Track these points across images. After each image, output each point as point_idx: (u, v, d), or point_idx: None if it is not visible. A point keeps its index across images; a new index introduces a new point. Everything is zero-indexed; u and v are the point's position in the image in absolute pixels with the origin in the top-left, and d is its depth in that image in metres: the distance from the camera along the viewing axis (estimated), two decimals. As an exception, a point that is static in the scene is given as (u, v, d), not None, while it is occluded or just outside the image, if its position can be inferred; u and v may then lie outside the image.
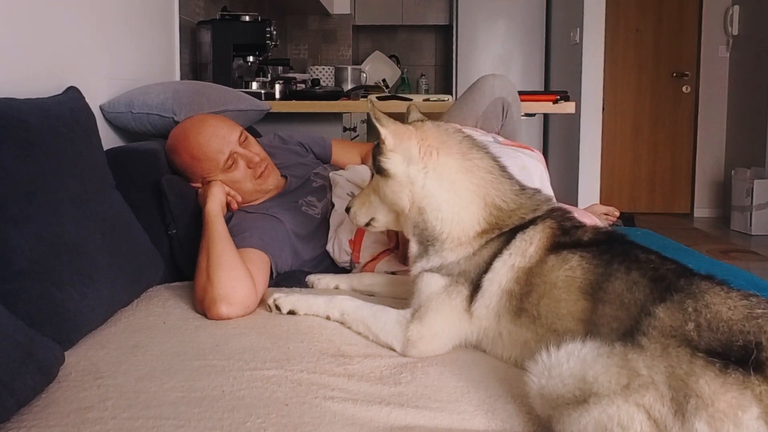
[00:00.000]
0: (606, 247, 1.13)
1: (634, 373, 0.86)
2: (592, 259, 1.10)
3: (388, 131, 1.24)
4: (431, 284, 1.23)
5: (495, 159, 1.31)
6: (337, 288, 1.56)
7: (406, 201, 1.27)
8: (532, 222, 1.21)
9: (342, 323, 1.32)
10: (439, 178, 1.24)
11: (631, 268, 1.05)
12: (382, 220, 1.36)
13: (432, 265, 1.25)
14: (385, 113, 1.26)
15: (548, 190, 1.90)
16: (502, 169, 1.30)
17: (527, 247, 1.17)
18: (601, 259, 1.09)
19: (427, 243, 1.27)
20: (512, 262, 1.16)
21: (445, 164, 1.25)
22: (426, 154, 1.24)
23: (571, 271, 1.10)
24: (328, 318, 1.34)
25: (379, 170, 1.28)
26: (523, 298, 1.14)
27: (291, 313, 1.37)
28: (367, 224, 1.39)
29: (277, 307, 1.38)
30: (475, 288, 1.19)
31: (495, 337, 1.18)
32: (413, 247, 1.30)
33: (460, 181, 1.24)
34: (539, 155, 2.02)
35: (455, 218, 1.24)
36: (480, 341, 1.21)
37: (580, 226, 1.23)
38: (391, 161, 1.25)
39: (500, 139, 2.09)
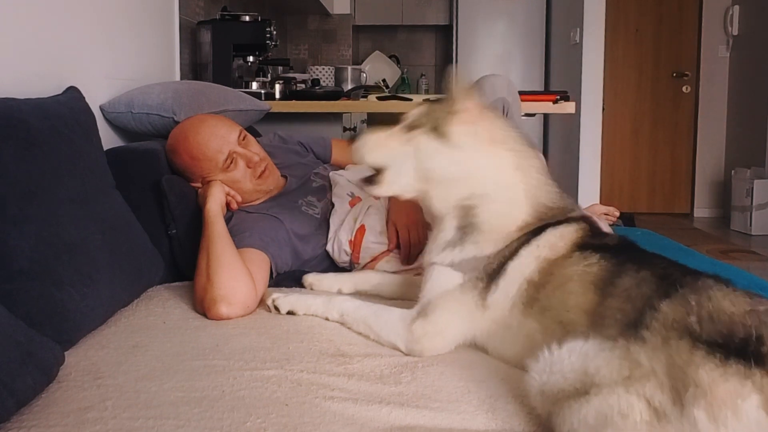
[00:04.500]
0: (624, 250, 1.15)
1: (635, 364, 0.86)
2: (611, 258, 1.11)
3: (475, 104, 1.22)
4: (445, 281, 1.21)
5: (541, 159, 1.32)
6: (339, 292, 1.52)
7: (457, 178, 1.22)
8: (565, 220, 1.22)
9: (341, 324, 1.32)
10: (498, 170, 1.23)
11: (642, 267, 1.06)
12: (397, 181, 1.25)
13: (463, 257, 1.21)
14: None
15: None
16: (546, 173, 1.30)
17: (557, 241, 1.17)
18: (617, 258, 1.11)
19: (467, 230, 1.23)
20: (539, 253, 1.16)
21: (505, 158, 1.24)
22: (491, 143, 1.23)
23: (588, 267, 1.11)
24: (327, 319, 1.33)
25: (438, 129, 1.21)
26: (540, 289, 1.14)
27: (290, 313, 1.37)
28: (371, 180, 1.28)
29: (276, 308, 1.38)
30: (496, 275, 1.17)
31: (504, 329, 1.17)
32: (449, 233, 1.24)
33: (515, 179, 1.24)
34: (539, 155, 2.01)
35: (503, 213, 1.23)
36: (487, 336, 1.20)
37: (608, 233, 1.26)
38: (462, 132, 1.22)
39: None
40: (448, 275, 1.22)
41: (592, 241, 1.18)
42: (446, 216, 1.26)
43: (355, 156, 1.28)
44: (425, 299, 1.23)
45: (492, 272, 1.19)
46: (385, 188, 1.28)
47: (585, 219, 1.26)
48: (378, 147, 1.27)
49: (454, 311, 1.20)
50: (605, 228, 1.32)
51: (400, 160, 1.25)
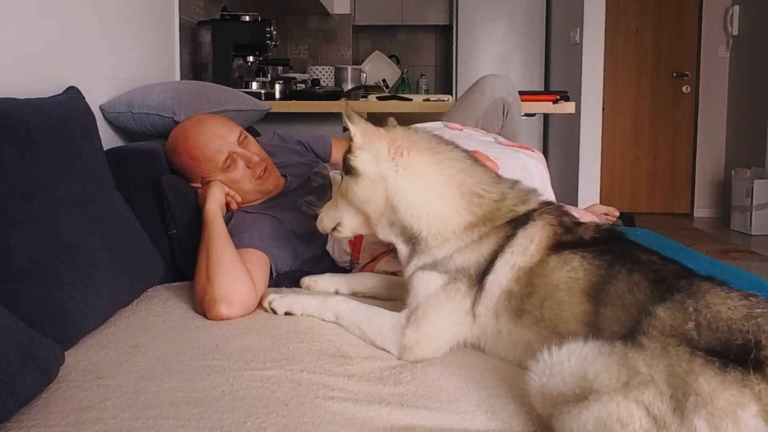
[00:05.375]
0: (607, 247, 1.12)
1: (633, 371, 0.86)
2: (593, 259, 1.10)
3: (357, 129, 1.24)
4: (429, 284, 1.21)
5: (465, 151, 1.30)
6: (337, 292, 1.52)
7: (379, 200, 1.25)
8: (530, 217, 1.20)
9: (337, 325, 1.31)
10: (410, 175, 1.23)
11: (633, 270, 1.05)
12: (348, 224, 1.34)
13: (425, 262, 1.23)
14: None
15: (549, 190, 1.90)
16: (474, 159, 1.29)
17: (528, 244, 1.16)
18: (602, 260, 1.09)
19: (413, 241, 1.26)
20: (513, 261, 1.16)
21: (415, 161, 1.24)
22: (396, 153, 1.24)
23: (573, 272, 1.10)
24: (323, 320, 1.33)
25: (348, 170, 1.27)
26: (524, 299, 1.13)
27: (288, 314, 1.37)
28: (334, 229, 1.36)
29: (273, 310, 1.38)
30: (479, 289, 1.18)
31: (494, 336, 1.18)
32: (401, 248, 1.29)
33: (430, 175, 1.24)
34: (540, 156, 2.02)
35: (431, 213, 1.23)
36: (479, 340, 1.21)
37: (580, 222, 1.23)
38: (360, 159, 1.24)
39: (501, 139, 2.08)
40: (426, 278, 1.22)
41: (565, 238, 1.17)
42: (390, 237, 1.29)
43: (319, 229, 1.39)
44: (413, 305, 1.23)
45: (472, 280, 1.18)
46: (344, 234, 1.38)
47: (548, 208, 1.23)
48: (328, 211, 1.36)
49: (443, 318, 1.19)
50: (576, 213, 1.30)
51: (342, 211, 1.33)
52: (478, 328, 1.20)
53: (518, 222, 1.20)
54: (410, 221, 1.24)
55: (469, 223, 1.22)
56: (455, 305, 1.19)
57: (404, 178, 1.23)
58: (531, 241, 1.16)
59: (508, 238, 1.18)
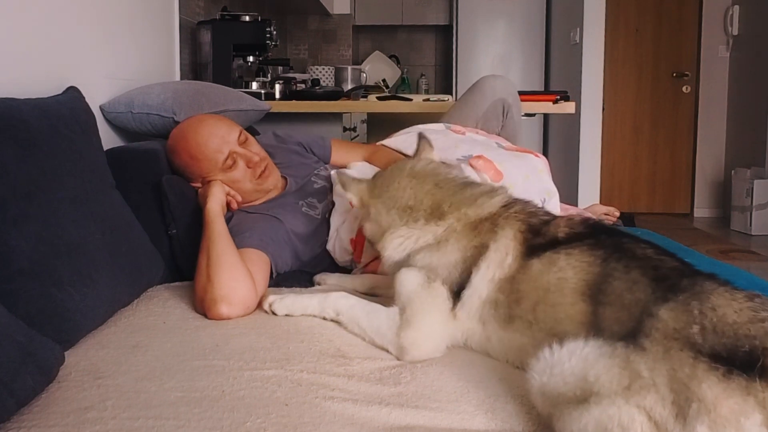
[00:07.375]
0: (594, 242, 1.10)
1: (635, 374, 0.85)
2: (581, 256, 1.08)
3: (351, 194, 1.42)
4: (408, 281, 1.23)
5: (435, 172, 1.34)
6: (343, 288, 1.53)
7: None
8: (496, 225, 1.19)
9: (338, 323, 1.32)
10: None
11: (630, 267, 1.02)
12: None
13: (391, 258, 1.30)
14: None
15: (554, 196, 1.88)
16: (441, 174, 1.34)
17: (504, 257, 1.15)
18: (593, 255, 1.07)
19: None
20: (491, 275, 1.15)
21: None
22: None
23: (560, 272, 1.08)
24: (324, 318, 1.34)
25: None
26: (513, 306, 1.12)
27: (288, 315, 1.37)
28: None
29: (273, 312, 1.38)
30: (455, 296, 1.18)
31: (483, 341, 1.18)
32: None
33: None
34: (544, 160, 2.00)
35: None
36: (466, 343, 1.21)
37: (550, 220, 1.20)
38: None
39: (504, 144, 2.07)
40: (403, 276, 1.25)
41: (537, 241, 1.15)
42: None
43: None
44: (401, 304, 1.23)
45: (447, 283, 1.19)
46: None
47: (511, 211, 1.22)
48: None
49: (434, 316, 1.19)
50: (548, 207, 1.30)
51: None
52: (463, 331, 1.19)
53: (485, 231, 1.19)
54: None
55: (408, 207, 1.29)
56: (439, 303, 1.19)
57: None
58: (506, 254, 1.15)
59: (480, 249, 1.17)
